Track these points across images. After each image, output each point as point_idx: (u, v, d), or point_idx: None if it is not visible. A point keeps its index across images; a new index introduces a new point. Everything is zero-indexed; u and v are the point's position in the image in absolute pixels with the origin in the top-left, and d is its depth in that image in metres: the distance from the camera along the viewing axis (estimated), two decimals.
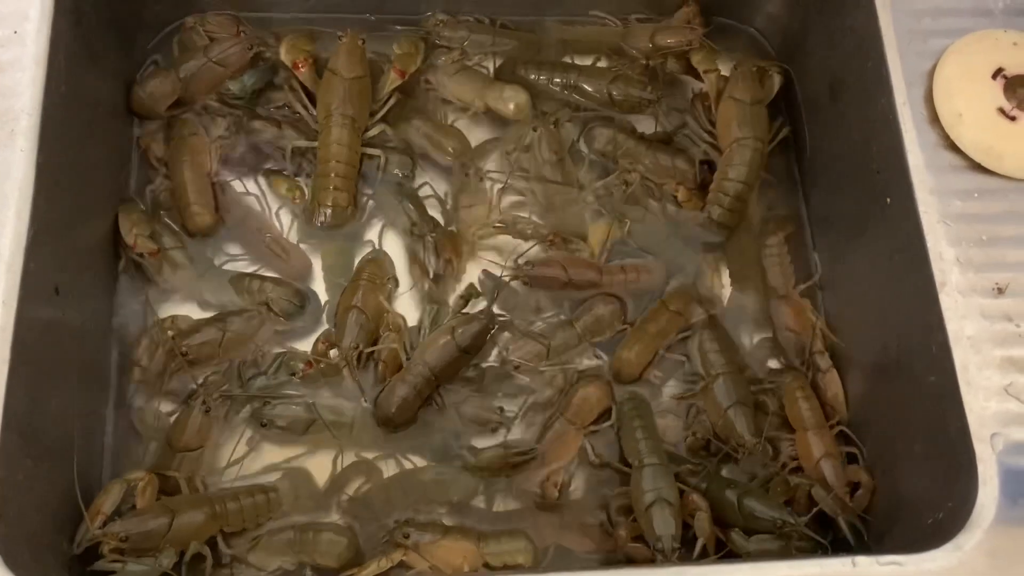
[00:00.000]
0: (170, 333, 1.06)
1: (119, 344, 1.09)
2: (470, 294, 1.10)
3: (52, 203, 0.93)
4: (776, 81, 1.20)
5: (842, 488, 1.02)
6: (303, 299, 1.11)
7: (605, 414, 1.08)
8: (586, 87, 1.20)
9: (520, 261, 1.11)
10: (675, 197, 1.17)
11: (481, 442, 1.06)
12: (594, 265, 1.13)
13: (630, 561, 0.99)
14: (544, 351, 1.10)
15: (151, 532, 0.94)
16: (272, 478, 1.04)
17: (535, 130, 1.17)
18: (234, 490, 1.01)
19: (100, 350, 1.07)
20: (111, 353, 1.08)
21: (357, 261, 1.15)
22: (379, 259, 1.14)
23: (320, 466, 1.05)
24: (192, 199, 1.13)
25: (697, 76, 1.21)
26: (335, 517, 1.03)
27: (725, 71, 1.20)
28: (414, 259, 1.14)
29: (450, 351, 1.04)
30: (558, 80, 1.21)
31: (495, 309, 1.09)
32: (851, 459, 1.06)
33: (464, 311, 1.09)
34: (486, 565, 0.98)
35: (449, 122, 1.22)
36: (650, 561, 0.97)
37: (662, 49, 1.21)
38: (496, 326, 1.08)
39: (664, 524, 0.97)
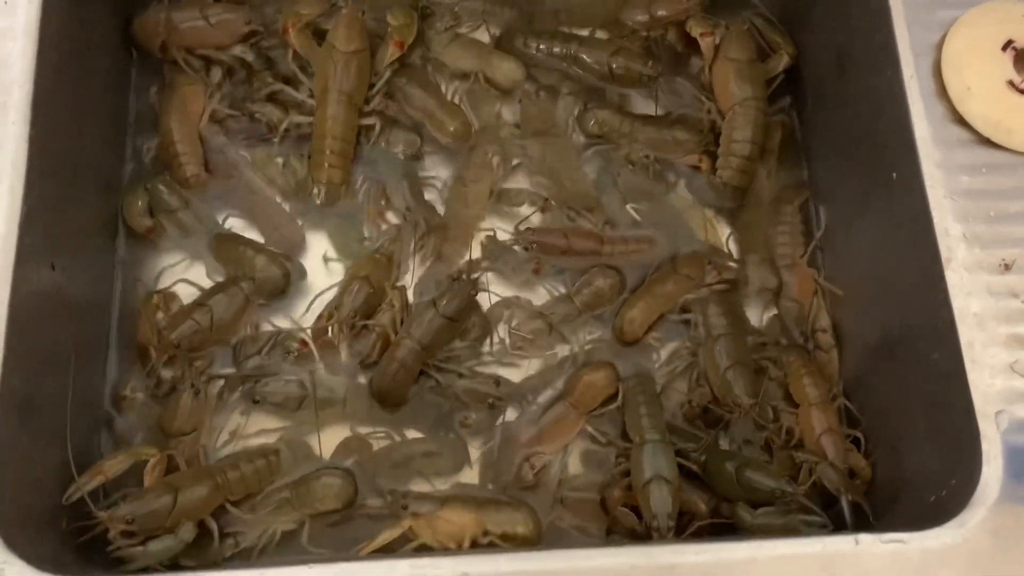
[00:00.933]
0: (161, 315, 1.06)
1: (118, 321, 1.08)
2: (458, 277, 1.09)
3: (47, 178, 0.92)
4: (784, 60, 1.18)
5: (842, 464, 1.01)
6: (289, 278, 1.10)
7: (609, 400, 1.07)
8: (586, 59, 1.18)
9: (522, 227, 1.11)
10: (697, 168, 1.16)
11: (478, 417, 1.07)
12: (595, 234, 1.12)
13: (616, 524, 1.00)
14: (546, 327, 1.09)
15: (157, 511, 0.94)
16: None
17: (520, 101, 1.16)
18: (233, 458, 1.01)
19: (98, 327, 1.06)
20: (110, 330, 1.08)
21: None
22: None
23: (315, 442, 1.05)
24: (180, 149, 1.12)
25: (698, 49, 1.19)
26: None
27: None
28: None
29: (436, 322, 1.05)
30: (558, 51, 1.19)
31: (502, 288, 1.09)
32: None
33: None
34: (486, 533, 0.97)
35: (452, 96, 1.19)
36: (636, 531, 0.98)
37: (660, 20, 1.19)
38: (477, 291, 1.08)
39: (661, 502, 0.97)
